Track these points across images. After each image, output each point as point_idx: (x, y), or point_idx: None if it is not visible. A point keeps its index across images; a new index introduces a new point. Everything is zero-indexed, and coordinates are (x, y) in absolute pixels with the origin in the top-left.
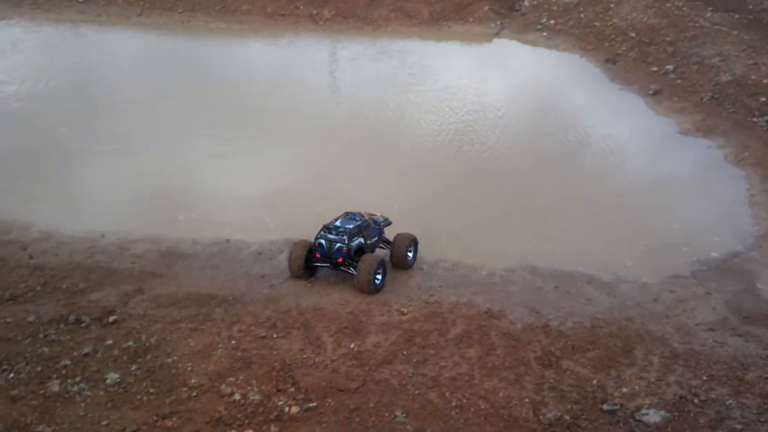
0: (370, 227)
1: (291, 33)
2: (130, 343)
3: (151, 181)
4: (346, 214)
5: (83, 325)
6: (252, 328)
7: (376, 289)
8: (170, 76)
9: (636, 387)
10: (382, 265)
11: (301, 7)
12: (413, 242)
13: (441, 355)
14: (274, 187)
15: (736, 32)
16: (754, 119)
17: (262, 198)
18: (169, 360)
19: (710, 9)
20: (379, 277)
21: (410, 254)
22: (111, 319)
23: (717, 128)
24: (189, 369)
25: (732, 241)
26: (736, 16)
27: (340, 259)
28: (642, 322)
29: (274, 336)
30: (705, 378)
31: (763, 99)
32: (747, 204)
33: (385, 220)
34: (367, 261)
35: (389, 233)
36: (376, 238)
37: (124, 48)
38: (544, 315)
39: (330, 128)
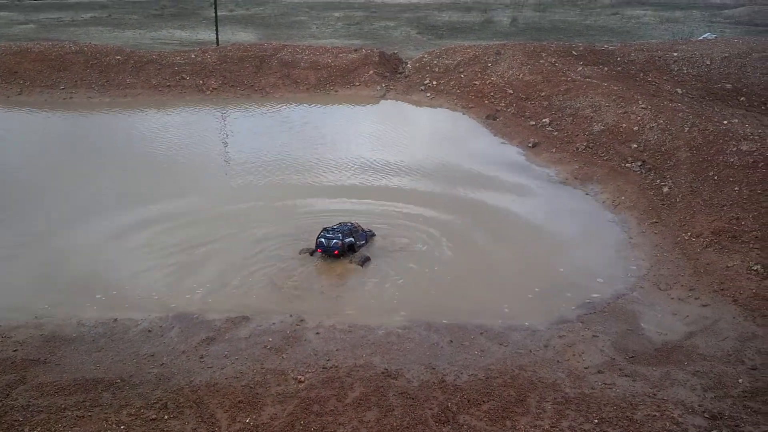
0: (359, 232)
1: (178, 104)
2: None
3: (32, 263)
4: (340, 223)
5: None
6: (142, 410)
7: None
8: (51, 154)
9: None
10: (367, 258)
11: (187, 78)
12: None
13: (339, 422)
14: (161, 260)
15: (606, 84)
16: (628, 165)
17: (149, 272)
18: None
19: (581, 63)
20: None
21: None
22: None
23: (594, 175)
24: None
25: (614, 283)
26: (605, 68)
27: (336, 252)
28: (534, 369)
29: (166, 417)
30: (596, 421)
31: (635, 145)
32: (626, 246)
33: (370, 231)
34: (357, 254)
35: None
36: (363, 242)
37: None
38: (439, 370)
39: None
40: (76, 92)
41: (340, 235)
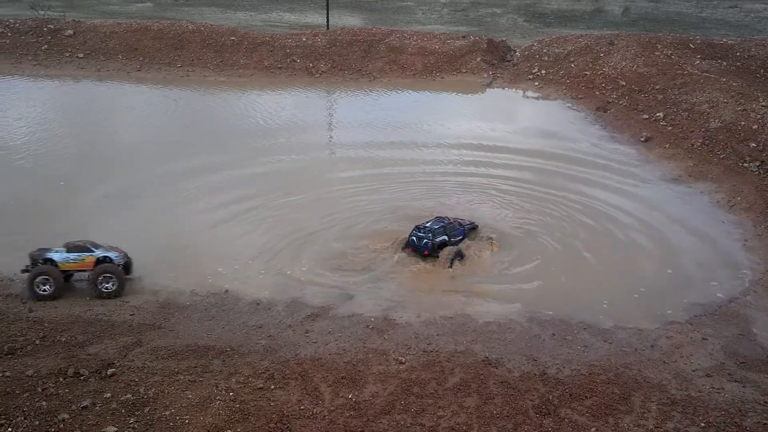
0: (456, 228)
1: (288, 85)
2: (129, 395)
3: (153, 234)
4: (437, 217)
5: (82, 378)
6: (250, 379)
7: (451, 268)
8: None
9: None
10: (459, 253)
11: (298, 61)
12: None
13: (439, 405)
14: (267, 239)
15: (724, 79)
16: (745, 164)
17: (258, 250)
18: (167, 413)
19: (699, 57)
20: (457, 261)
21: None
22: (109, 371)
23: (708, 173)
24: (187, 421)
25: (727, 286)
26: (724, 63)
27: (426, 252)
28: (639, 368)
29: (272, 387)
30: (703, 425)
31: (753, 144)
32: (741, 249)
33: (471, 223)
34: (446, 250)
35: None
36: (460, 237)
37: (124, 101)
38: (541, 363)
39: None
40: (192, 70)
41: (431, 234)
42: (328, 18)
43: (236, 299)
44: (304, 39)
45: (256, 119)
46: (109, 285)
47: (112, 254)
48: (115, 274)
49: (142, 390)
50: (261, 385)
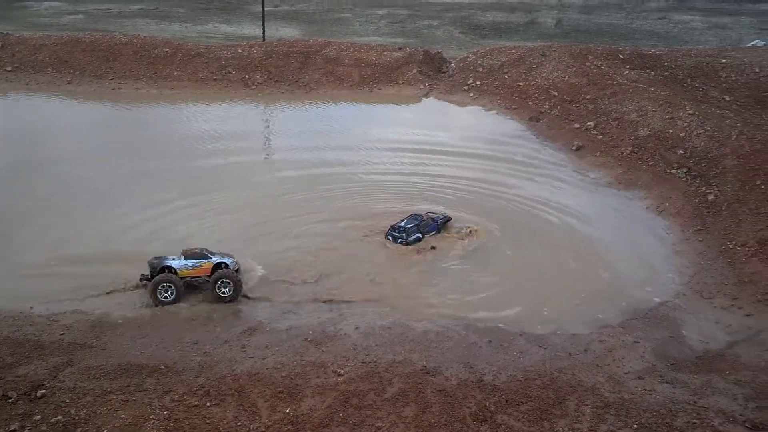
0: (428, 224)
1: (223, 97)
2: (59, 417)
3: (80, 250)
4: (412, 215)
5: (10, 401)
6: (185, 397)
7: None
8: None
9: None
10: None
11: (233, 72)
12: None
13: (377, 416)
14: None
15: (652, 89)
16: (673, 171)
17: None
18: None
19: (628, 67)
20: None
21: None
22: (39, 393)
23: (638, 181)
24: None
25: (656, 290)
26: (653, 73)
27: None
28: (573, 372)
29: (208, 404)
30: (635, 426)
31: (681, 152)
32: (669, 253)
33: (445, 216)
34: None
35: None
36: (434, 231)
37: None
38: (478, 370)
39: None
40: (125, 83)
41: (405, 234)
42: (264, 29)
43: (170, 315)
44: (239, 50)
45: (186, 132)
46: (226, 290)
47: (227, 260)
48: (231, 279)
49: (73, 411)
50: (196, 403)
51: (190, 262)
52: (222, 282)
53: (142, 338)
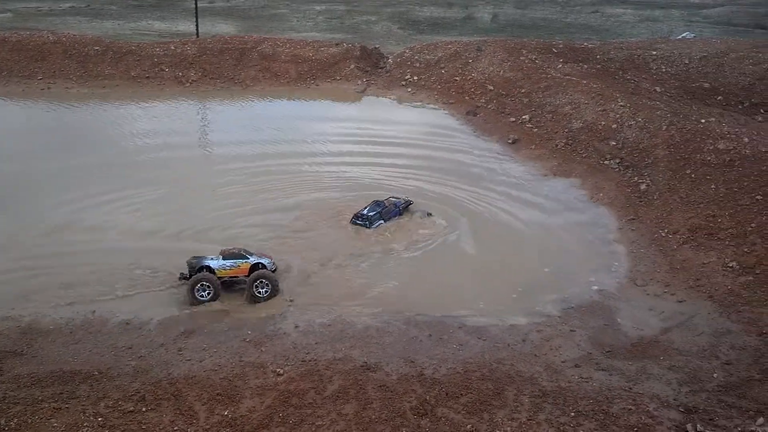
0: (390, 210)
1: (157, 95)
2: None
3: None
4: (374, 202)
5: None
6: (119, 402)
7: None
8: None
9: (508, 429)
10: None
11: (167, 70)
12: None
13: (318, 414)
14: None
15: (585, 81)
16: (606, 162)
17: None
18: None
19: (561, 60)
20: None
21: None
22: None
23: (572, 172)
24: None
25: (591, 279)
26: (585, 66)
27: None
28: (512, 363)
29: (143, 409)
30: (573, 414)
31: (613, 143)
32: (604, 242)
33: (406, 201)
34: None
35: None
36: (396, 216)
37: None
38: (418, 364)
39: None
40: (54, 82)
41: (368, 222)
42: (197, 26)
43: (104, 320)
44: (172, 47)
45: (117, 131)
46: (263, 290)
47: (264, 260)
48: (269, 279)
49: (3, 421)
50: (131, 408)
51: (228, 262)
52: (260, 282)
53: (75, 344)
